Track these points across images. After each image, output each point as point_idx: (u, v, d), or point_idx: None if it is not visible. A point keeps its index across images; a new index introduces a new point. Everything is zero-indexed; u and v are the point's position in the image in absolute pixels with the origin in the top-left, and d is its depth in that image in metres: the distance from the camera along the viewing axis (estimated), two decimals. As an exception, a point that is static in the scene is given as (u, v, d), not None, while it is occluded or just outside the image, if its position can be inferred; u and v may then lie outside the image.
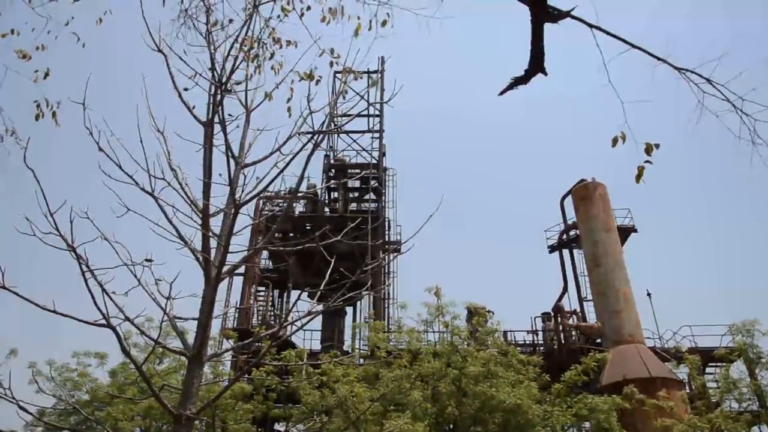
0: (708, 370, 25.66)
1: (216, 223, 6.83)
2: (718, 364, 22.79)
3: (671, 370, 24.50)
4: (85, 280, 5.97)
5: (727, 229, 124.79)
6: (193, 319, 6.84)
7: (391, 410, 16.93)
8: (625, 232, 31.22)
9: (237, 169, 6.91)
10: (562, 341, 27.54)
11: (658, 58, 5.34)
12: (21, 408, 6.08)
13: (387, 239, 31.91)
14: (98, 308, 5.97)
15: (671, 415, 20.12)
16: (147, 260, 6.17)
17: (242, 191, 6.66)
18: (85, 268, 5.99)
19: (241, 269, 29.61)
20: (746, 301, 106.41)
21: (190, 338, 6.78)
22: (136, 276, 6.27)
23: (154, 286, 6.45)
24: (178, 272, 6.30)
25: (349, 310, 34.06)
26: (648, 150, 5.08)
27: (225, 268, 6.73)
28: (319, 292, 6.65)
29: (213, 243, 6.80)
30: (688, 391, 24.09)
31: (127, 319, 6.26)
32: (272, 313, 30.44)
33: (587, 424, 20.25)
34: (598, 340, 26.49)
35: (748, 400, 20.82)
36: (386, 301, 29.38)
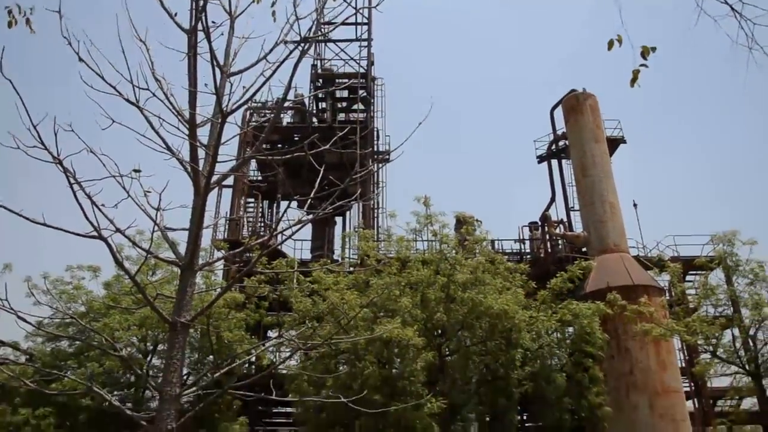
0: (688, 278, 26.36)
1: (203, 134, 6.76)
2: (698, 272, 23.40)
3: (653, 278, 25.17)
4: (74, 193, 5.94)
5: (718, 141, 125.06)
6: (184, 229, 6.88)
7: (381, 316, 17.37)
8: (613, 143, 31.25)
9: (223, 78, 6.77)
10: (549, 250, 28.04)
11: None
12: (20, 318, 6.19)
13: (376, 149, 31.81)
14: (88, 220, 5.98)
15: (651, 319, 20.87)
16: (135, 171, 6.14)
17: (229, 100, 6.55)
18: (72, 181, 5.96)
19: (230, 181, 29.59)
20: (732, 212, 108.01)
21: (182, 249, 6.85)
22: (124, 188, 6.25)
23: (144, 198, 6.44)
24: (167, 182, 6.28)
25: (338, 220, 34.38)
26: (644, 53, 4.99)
27: (214, 178, 6.71)
28: (308, 201, 6.66)
29: (201, 154, 6.75)
30: (668, 297, 24.86)
31: (117, 230, 6.29)
32: (262, 224, 30.65)
33: (571, 329, 20.94)
34: (584, 249, 27.00)
35: (723, 306, 21.55)
36: (375, 210, 29.61)
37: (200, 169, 6.55)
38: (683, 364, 26.24)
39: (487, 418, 19.29)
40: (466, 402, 17.96)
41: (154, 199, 6.35)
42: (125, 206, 6.30)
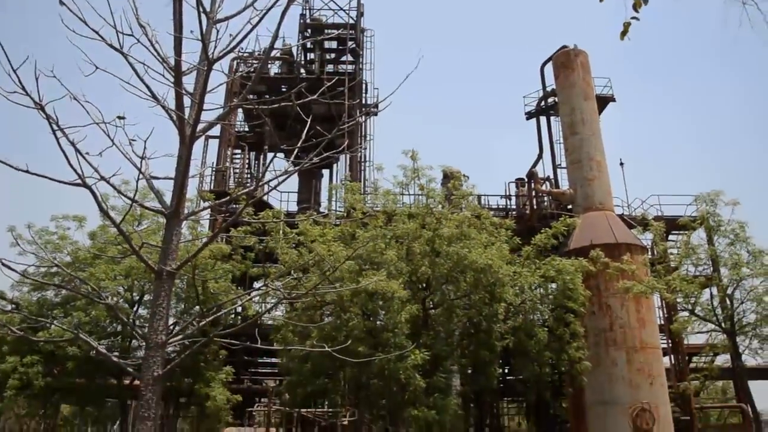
0: (671, 237, 26.64)
1: (189, 82, 6.66)
2: (681, 231, 23.67)
3: (636, 237, 25.45)
4: (57, 140, 5.87)
5: (708, 100, 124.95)
6: (169, 178, 6.85)
7: (367, 269, 17.49)
8: (603, 101, 31.12)
9: (209, 25, 6.64)
10: (534, 206, 28.17)
11: None
12: (5, 266, 6.18)
13: (364, 101, 31.55)
14: (72, 168, 5.92)
15: (632, 277, 21.19)
16: (119, 117, 6.06)
17: (215, 47, 6.44)
18: (55, 127, 5.88)
19: (217, 131, 29.32)
20: (718, 173, 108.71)
21: (168, 200, 6.82)
22: (109, 135, 6.17)
23: (129, 146, 6.37)
24: (152, 130, 6.21)
25: (325, 172, 34.30)
26: (636, 5, 4.94)
27: (200, 127, 6.65)
28: (295, 152, 6.63)
29: (187, 102, 6.67)
30: (650, 256, 25.19)
31: (102, 178, 6.24)
32: (249, 175, 30.52)
33: (553, 285, 21.22)
34: (570, 207, 27.14)
35: (703, 265, 21.89)
36: (362, 164, 29.53)
37: (186, 117, 6.48)
38: (662, 322, 26.73)
39: (469, 370, 19.68)
40: (449, 354, 18.26)
41: (139, 147, 6.29)
42: (110, 155, 6.24)
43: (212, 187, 27.16)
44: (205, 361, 21.38)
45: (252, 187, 7.38)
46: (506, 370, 23.46)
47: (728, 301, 20.19)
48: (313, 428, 20.90)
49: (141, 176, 6.55)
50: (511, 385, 23.52)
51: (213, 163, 28.94)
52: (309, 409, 18.77)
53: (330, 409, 19.31)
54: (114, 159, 6.32)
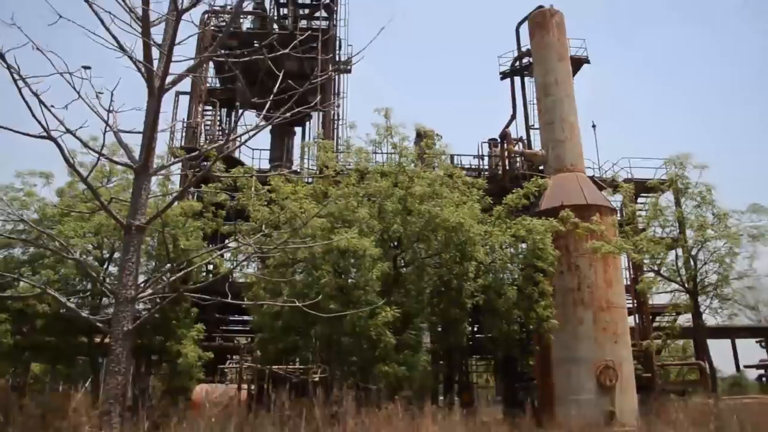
0: (640, 199, 27.06)
1: (158, 33, 6.51)
2: (650, 193, 24.07)
3: (606, 198, 25.81)
4: (19, 90, 5.72)
5: (682, 64, 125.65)
6: (138, 132, 6.74)
7: (339, 227, 17.51)
8: (577, 63, 31.10)
9: (178, -27, 6.47)
10: (507, 167, 28.29)
11: None
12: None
13: (338, 59, 31.13)
14: (36, 120, 5.79)
15: (601, 237, 21.57)
16: (84, 67, 5.91)
17: (184, -4, 6.29)
18: (17, 77, 5.72)
19: (188, 87, 28.75)
20: (690, 136, 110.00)
21: (137, 155, 6.71)
22: (74, 87, 6.03)
23: (96, 99, 6.24)
24: (119, 80, 6.08)
25: (298, 131, 34.01)
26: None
27: (169, 79, 6.53)
28: (267, 105, 6.55)
29: (156, 54, 6.53)
30: (619, 217, 25.61)
31: (68, 131, 6.11)
32: (220, 132, 30.12)
33: (524, 245, 21.49)
34: (541, 168, 27.32)
35: (670, 226, 22.37)
36: (336, 122, 29.28)
37: (154, 69, 6.36)
38: (628, 282, 27.31)
39: (439, 328, 19.97)
40: (419, 312, 18.49)
41: (106, 100, 6.16)
42: (76, 108, 6.11)
43: (183, 144, 26.75)
44: (177, 318, 21.36)
45: (222, 142, 7.29)
46: (475, 328, 23.86)
47: (692, 262, 20.73)
48: (284, 385, 21.13)
49: (108, 129, 6.44)
50: (480, 343, 23.97)
51: (184, 119, 28.46)
52: (280, 366, 18.92)
53: (301, 366, 19.50)
54: (80, 112, 6.19)
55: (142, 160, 6.45)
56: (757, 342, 44.01)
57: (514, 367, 26.04)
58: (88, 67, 5.94)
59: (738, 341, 41.42)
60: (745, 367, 44.57)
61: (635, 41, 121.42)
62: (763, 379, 45.09)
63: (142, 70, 6.33)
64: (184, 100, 29.12)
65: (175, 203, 22.31)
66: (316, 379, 17.23)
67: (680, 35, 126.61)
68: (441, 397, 24.06)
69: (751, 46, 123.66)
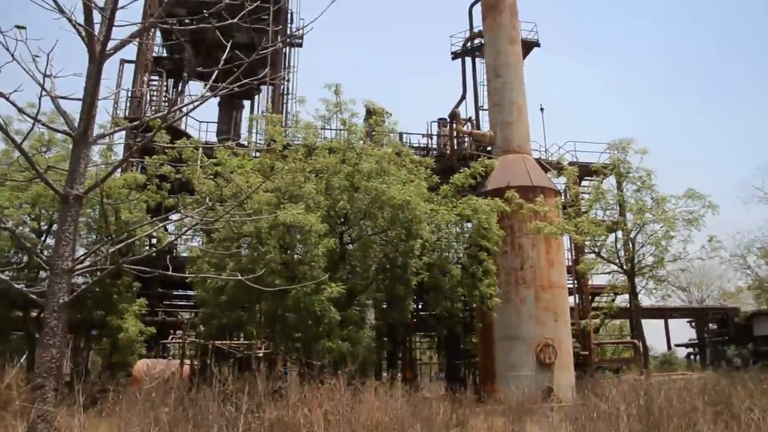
0: (584, 182, 27.66)
1: (100, -5, 6.27)
2: (594, 177, 24.61)
3: (551, 180, 26.31)
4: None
5: (630, 50, 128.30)
6: (77, 99, 6.51)
7: (285, 202, 17.37)
8: (528, 46, 31.40)
9: (120, -69, 6.23)
10: (455, 147, 28.51)
11: None
12: None
13: (289, 32, 30.65)
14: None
15: (545, 218, 22.03)
16: (18, 27, 5.64)
17: (127, -43, 6.07)
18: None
19: (134, 54, 27.86)
20: (635, 121, 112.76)
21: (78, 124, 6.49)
22: (8, 49, 5.77)
23: (32, 63, 5.98)
24: (56, 41, 5.84)
25: (246, 104, 33.47)
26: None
27: (112, 44, 6.32)
28: (214, 75, 6.41)
29: (98, 18, 6.30)
30: (563, 199, 26.15)
31: (1, 95, 5.85)
32: (166, 102, 29.36)
33: (469, 224, 21.75)
34: (489, 149, 27.63)
35: (611, 209, 22.97)
36: (285, 96, 28.95)
37: (96, 33, 6.14)
38: (569, 263, 28.01)
39: (384, 305, 20.10)
40: (365, 288, 18.58)
41: (43, 64, 5.91)
42: (10, 71, 5.84)
43: (127, 114, 25.99)
44: (118, 293, 20.97)
45: (166, 112, 7.11)
46: (420, 305, 24.11)
47: (630, 245, 21.32)
48: (228, 360, 20.98)
49: (45, 94, 6.19)
50: (424, 320, 24.27)
51: (129, 88, 27.58)
52: (224, 342, 18.77)
53: (245, 342, 19.38)
54: (15, 76, 5.92)
55: (82, 128, 6.24)
56: (687, 322, 46.01)
57: (457, 344, 26.47)
58: (23, 27, 5.67)
59: (671, 321, 43.22)
60: (676, 345, 46.65)
61: (585, 26, 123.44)
62: (692, 356, 47.23)
63: (83, 33, 6.09)
64: (130, 69, 28.24)
65: (118, 175, 21.76)
66: (260, 354, 17.15)
67: (629, 21, 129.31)
68: (385, 373, 24.33)
69: (696, 33, 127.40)
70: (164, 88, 29.65)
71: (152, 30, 25.60)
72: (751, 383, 11.51)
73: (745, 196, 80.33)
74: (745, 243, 30.82)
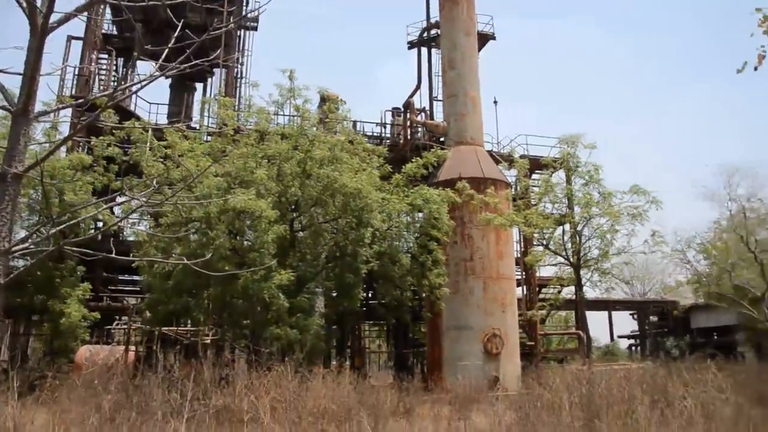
0: (534, 176, 28.11)
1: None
2: (544, 171, 25.05)
3: (502, 172, 26.63)
4: None
5: (582, 46, 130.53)
6: (18, 73, 6.26)
7: (236, 187, 17.16)
8: (483, 39, 31.58)
9: None
10: (408, 136, 28.58)
11: None
12: None
13: (245, 14, 30.18)
14: None
15: (495, 210, 22.35)
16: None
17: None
18: None
19: (81, 31, 26.98)
20: (588, 118, 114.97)
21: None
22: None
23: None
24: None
25: (199, 87, 32.82)
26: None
27: (55, 17, 6.09)
28: (164, 54, 6.23)
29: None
30: (513, 191, 26.54)
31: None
32: (115, 81, 28.58)
33: (420, 214, 21.89)
34: (442, 139, 27.78)
35: (560, 203, 23.46)
36: (239, 80, 28.55)
37: (38, 5, 5.90)
38: (518, 255, 28.45)
39: (334, 293, 20.10)
40: (314, 276, 18.53)
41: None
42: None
43: (74, 92, 25.20)
44: (61, 276, 20.39)
45: (113, 90, 6.90)
46: (369, 294, 24.18)
47: (577, 237, 21.82)
48: (174, 347, 20.67)
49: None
50: (373, 309, 24.35)
51: (76, 66, 26.71)
52: (170, 328, 18.49)
53: (192, 328, 19.13)
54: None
55: (21, 104, 6.00)
56: (630, 314, 47.42)
57: (406, 333, 26.68)
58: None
59: (614, 313, 44.47)
60: (619, 337, 48.01)
61: (541, 20, 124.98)
62: (633, 348, 48.75)
63: (24, 5, 5.85)
64: (78, 46, 27.35)
65: (63, 155, 21.11)
66: (208, 341, 16.96)
67: (584, 18, 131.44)
68: (333, 361, 24.34)
69: (653, 28, 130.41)
70: (113, 67, 28.85)
71: (101, 6, 24.84)
72: (687, 373, 11.93)
73: (696, 194, 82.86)
74: (686, 239, 31.90)
